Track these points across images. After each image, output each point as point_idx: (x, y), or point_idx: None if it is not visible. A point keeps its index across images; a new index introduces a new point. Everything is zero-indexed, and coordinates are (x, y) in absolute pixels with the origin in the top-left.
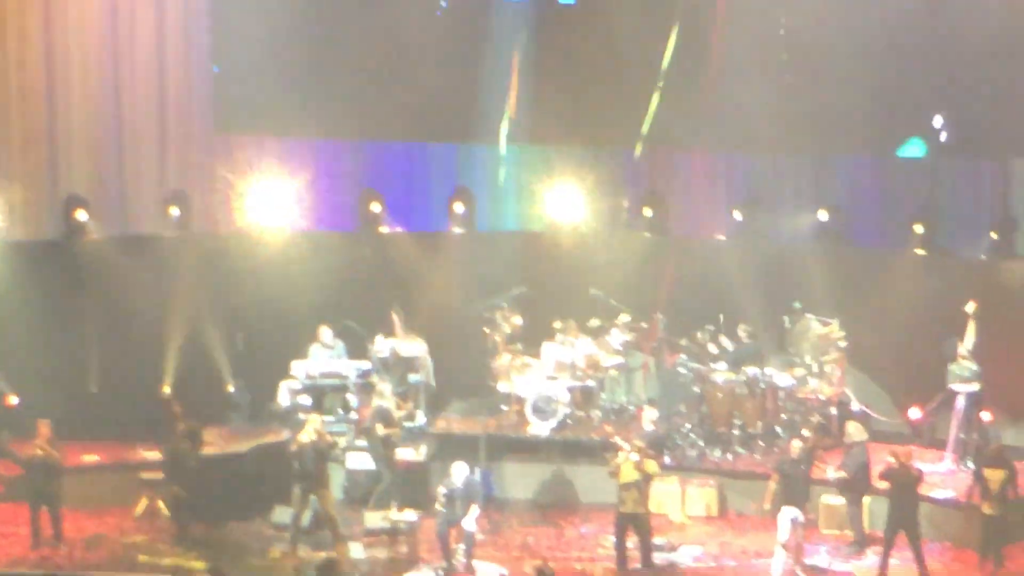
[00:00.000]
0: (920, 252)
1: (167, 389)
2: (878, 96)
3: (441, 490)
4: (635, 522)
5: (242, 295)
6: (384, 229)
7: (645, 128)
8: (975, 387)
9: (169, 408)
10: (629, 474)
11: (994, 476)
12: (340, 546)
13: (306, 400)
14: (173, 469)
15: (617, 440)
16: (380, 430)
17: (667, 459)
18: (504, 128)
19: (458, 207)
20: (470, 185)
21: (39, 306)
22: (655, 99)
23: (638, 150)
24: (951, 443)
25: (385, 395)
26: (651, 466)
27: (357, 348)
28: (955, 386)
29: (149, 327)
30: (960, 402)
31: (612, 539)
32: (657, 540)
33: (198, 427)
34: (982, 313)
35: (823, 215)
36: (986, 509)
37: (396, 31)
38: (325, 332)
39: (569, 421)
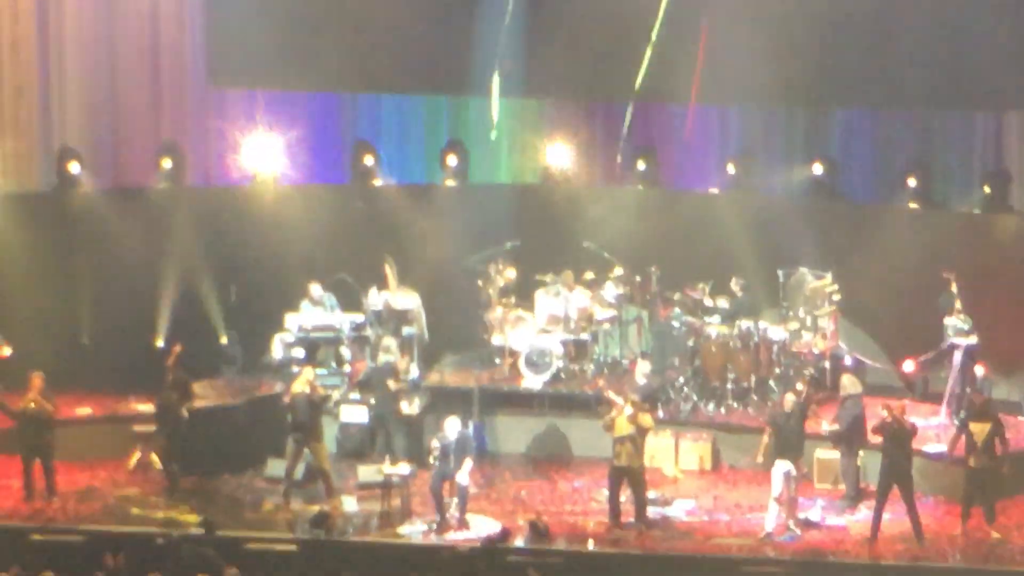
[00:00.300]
0: (913, 206)
1: (159, 342)
2: (872, 49)
3: (434, 444)
4: (629, 475)
5: (235, 248)
6: (377, 182)
7: (639, 81)
8: (973, 339)
9: (162, 360)
10: (623, 427)
11: (979, 429)
12: (333, 499)
13: (299, 353)
14: (164, 421)
15: (610, 394)
16: (392, 385)
17: (660, 413)
18: (496, 80)
19: (451, 160)
20: (463, 138)
21: (32, 258)
22: (648, 52)
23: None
24: (947, 397)
25: (391, 350)
26: (646, 419)
27: (351, 301)
28: (955, 340)
29: (142, 279)
30: (957, 356)
31: (605, 493)
32: (650, 494)
33: (187, 379)
34: (962, 281)
35: (817, 168)
36: (971, 462)
37: None
38: (314, 288)
39: (562, 375)
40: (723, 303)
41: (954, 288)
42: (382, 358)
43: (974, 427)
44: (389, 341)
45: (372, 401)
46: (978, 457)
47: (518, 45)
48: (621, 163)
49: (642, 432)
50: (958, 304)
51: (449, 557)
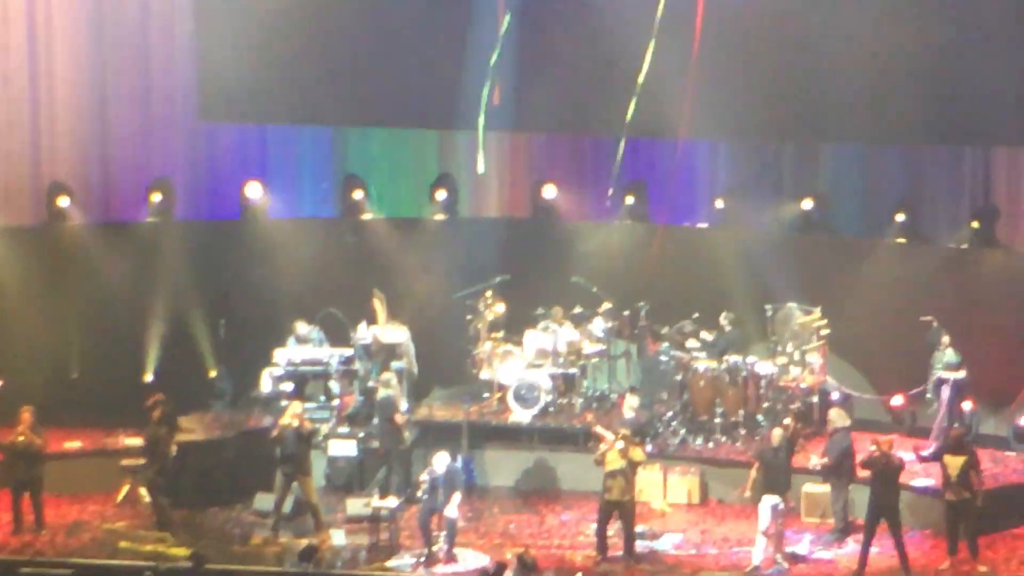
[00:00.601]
0: (901, 241)
1: (148, 376)
2: (861, 85)
3: (423, 477)
4: (621, 509)
5: (225, 282)
6: (366, 216)
7: (629, 115)
8: (962, 374)
9: (147, 397)
10: (615, 462)
11: (953, 463)
12: (322, 532)
13: (288, 387)
14: (152, 456)
15: (598, 429)
16: (399, 419)
17: (649, 447)
18: (484, 116)
19: (440, 194)
20: (453, 172)
21: (21, 292)
22: (638, 87)
23: (620, 147)
24: (935, 431)
25: (391, 384)
26: (637, 453)
27: (339, 335)
28: (943, 374)
29: (131, 314)
30: (945, 390)
31: (593, 526)
32: (638, 527)
33: (174, 414)
34: (949, 316)
35: (807, 204)
36: (948, 495)
37: (379, 18)
38: (301, 326)
39: (551, 408)
40: (707, 336)
41: (935, 326)
42: (383, 392)
43: (948, 460)
44: (389, 375)
45: (361, 435)
46: (953, 490)
47: (508, 80)
48: (611, 198)
49: (633, 466)
50: (945, 339)
51: None
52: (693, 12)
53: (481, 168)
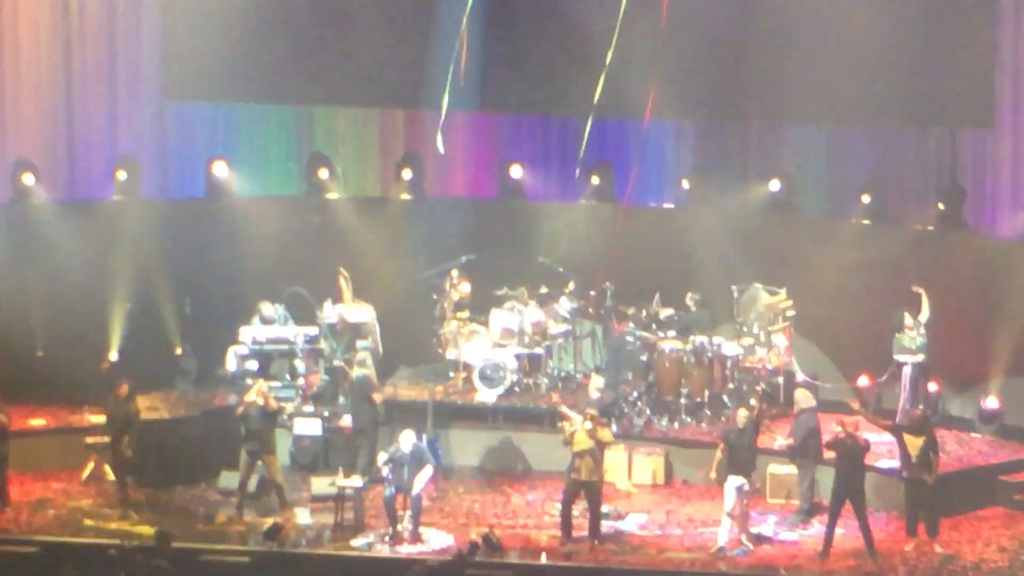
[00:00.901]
0: (867, 222)
1: (113, 354)
2: (826, 65)
3: (382, 456)
4: (588, 489)
5: (190, 260)
6: (332, 194)
7: (596, 96)
8: (920, 358)
9: (106, 374)
10: (583, 442)
11: (913, 443)
12: (286, 512)
13: (253, 365)
14: (121, 432)
15: (564, 409)
16: (377, 398)
17: (614, 427)
18: (447, 96)
19: (406, 173)
20: (419, 151)
21: None
22: (605, 67)
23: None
24: (899, 414)
25: (367, 363)
26: (605, 434)
27: (305, 314)
28: (901, 357)
29: (96, 292)
30: (906, 373)
31: (559, 506)
32: (603, 508)
33: (132, 392)
34: (931, 291)
35: (774, 185)
36: (905, 474)
37: None
38: (266, 307)
39: (516, 389)
40: (670, 312)
41: (925, 301)
42: (358, 371)
43: (909, 440)
44: (365, 354)
45: (326, 413)
46: (911, 469)
47: (474, 59)
48: (577, 178)
49: (601, 447)
50: (909, 320)
51: (421, 571)
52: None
53: (441, 148)
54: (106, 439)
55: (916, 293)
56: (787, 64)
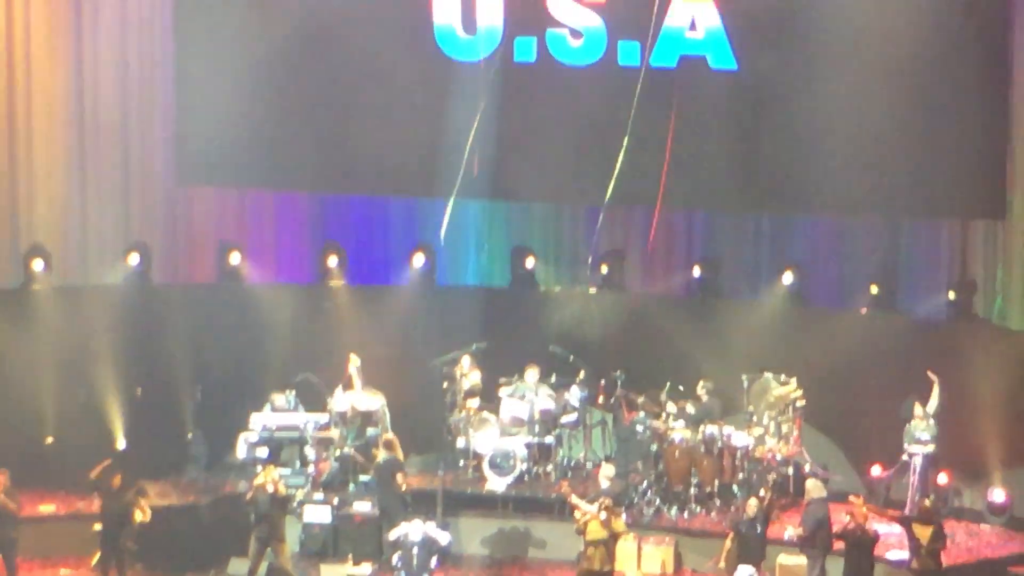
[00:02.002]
0: (877, 312)
1: (121, 440)
2: (838, 156)
3: (389, 539)
4: None
5: (202, 346)
6: (344, 282)
7: (611, 187)
8: (930, 448)
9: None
10: (596, 531)
11: (923, 533)
12: None
13: (263, 452)
14: (123, 523)
15: (573, 499)
16: (400, 479)
17: (624, 516)
18: (460, 183)
19: (418, 261)
20: (431, 239)
21: None
22: (620, 156)
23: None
24: (908, 504)
25: (394, 446)
26: (619, 524)
27: (315, 401)
28: (911, 447)
29: (106, 376)
30: (916, 463)
31: None
32: None
33: (127, 483)
34: (944, 378)
35: (788, 277)
36: (914, 564)
37: (359, 84)
38: (278, 398)
39: (526, 477)
40: (689, 408)
41: (936, 390)
42: (384, 455)
43: (918, 530)
44: (391, 436)
45: (336, 501)
46: (920, 560)
47: (488, 147)
48: (590, 266)
49: (615, 536)
50: (919, 411)
51: None
52: (671, 85)
53: (442, 237)
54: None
55: (929, 381)
56: (798, 155)
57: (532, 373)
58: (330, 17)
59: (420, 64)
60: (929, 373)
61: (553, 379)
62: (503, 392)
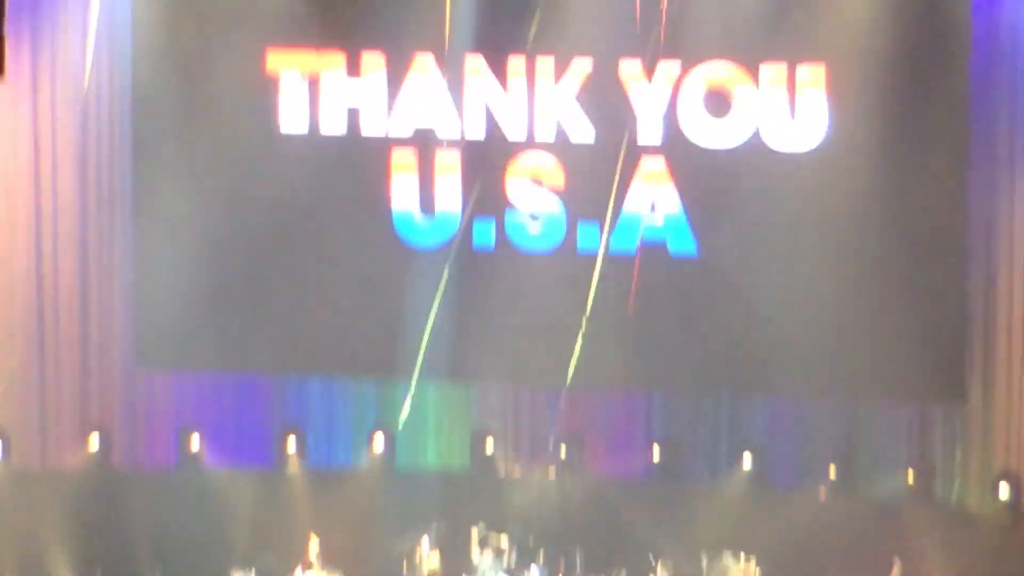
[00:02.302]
0: (836, 494)
1: None
2: (797, 338)
3: None
4: None
5: (161, 529)
6: (302, 466)
7: (571, 370)
8: None
9: None
10: None
11: None
12: None
13: None
14: None
15: None
16: None
17: None
18: (420, 366)
19: (377, 444)
20: (390, 423)
21: None
22: (579, 340)
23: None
24: None
25: None
26: None
27: None
28: None
29: (64, 563)
30: None
31: None
32: None
33: None
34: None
35: (747, 460)
36: None
37: (319, 267)
38: None
39: None
40: None
41: (896, 572)
42: None
43: None
44: None
45: None
46: None
47: (448, 330)
48: (551, 449)
49: None
50: None
51: None
52: (631, 269)
53: (401, 421)
54: None
55: (889, 563)
56: (757, 337)
57: (490, 556)
58: (289, 202)
59: (378, 248)
60: (892, 559)
61: (513, 561)
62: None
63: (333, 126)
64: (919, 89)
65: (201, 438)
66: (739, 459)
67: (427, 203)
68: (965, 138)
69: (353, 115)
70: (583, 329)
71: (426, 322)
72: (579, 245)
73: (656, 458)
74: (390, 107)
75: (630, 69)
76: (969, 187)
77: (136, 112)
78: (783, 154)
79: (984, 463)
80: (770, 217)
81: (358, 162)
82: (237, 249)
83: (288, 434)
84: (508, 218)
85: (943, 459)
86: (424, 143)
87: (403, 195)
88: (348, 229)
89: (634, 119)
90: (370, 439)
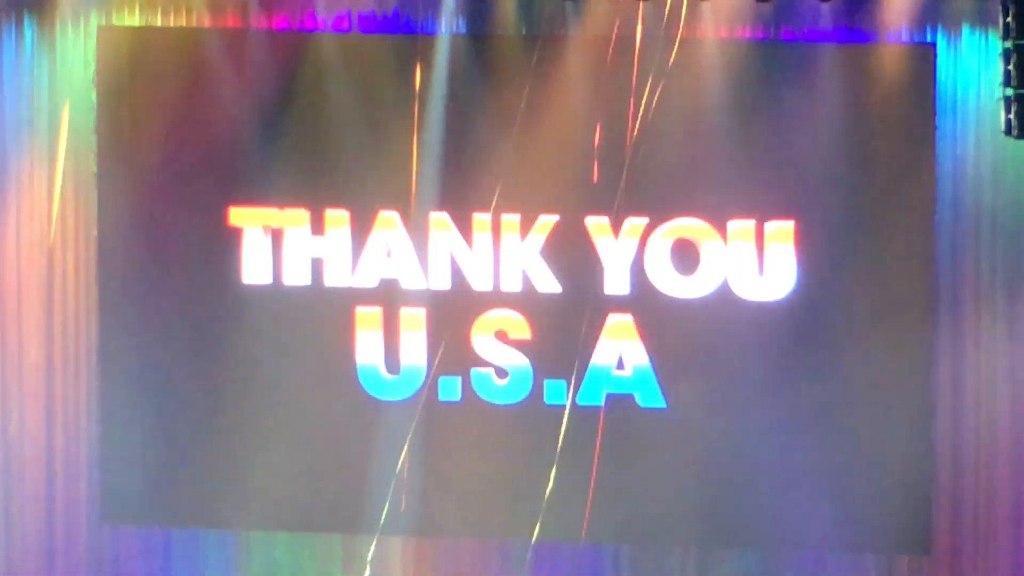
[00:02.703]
0: None
1: None
2: (763, 491)
3: None
4: None
5: None
6: None
7: (538, 524)
8: None
9: None
10: None
11: None
12: None
13: None
14: None
15: None
16: None
17: None
18: (385, 520)
19: None
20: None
21: None
22: (547, 492)
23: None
24: None
25: None
26: None
27: None
28: None
29: None
30: None
31: None
32: None
33: None
34: None
35: None
36: None
37: (281, 422)
38: None
39: None
40: None
41: None
42: None
43: None
44: None
45: None
46: None
47: (413, 483)
48: None
49: None
50: None
51: None
52: (594, 430)
53: None
54: None
55: None
56: (724, 490)
57: None
58: (255, 356)
59: (343, 402)
60: None
61: None
62: None
63: (297, 277)
64: (885, 243)
65: None
66: None
67: (392, 358)
68: (931, 294)
69: (317, 265)
70: (551, 482)
71: (392, 475)
72: (546, 399)
73: None
74: (354, 261)
75: (597, 225)
76: (935, 343)
77: (102, 265)
78: (751, 303)
79: None
80: (737, 367)
81: (322, 314)
82: (204, 407)
83: None
84: (474, 373)
85: None
86: (389, 299)
87: (368, 349)
88: (312, 383)
89: (601, 270)
90: None
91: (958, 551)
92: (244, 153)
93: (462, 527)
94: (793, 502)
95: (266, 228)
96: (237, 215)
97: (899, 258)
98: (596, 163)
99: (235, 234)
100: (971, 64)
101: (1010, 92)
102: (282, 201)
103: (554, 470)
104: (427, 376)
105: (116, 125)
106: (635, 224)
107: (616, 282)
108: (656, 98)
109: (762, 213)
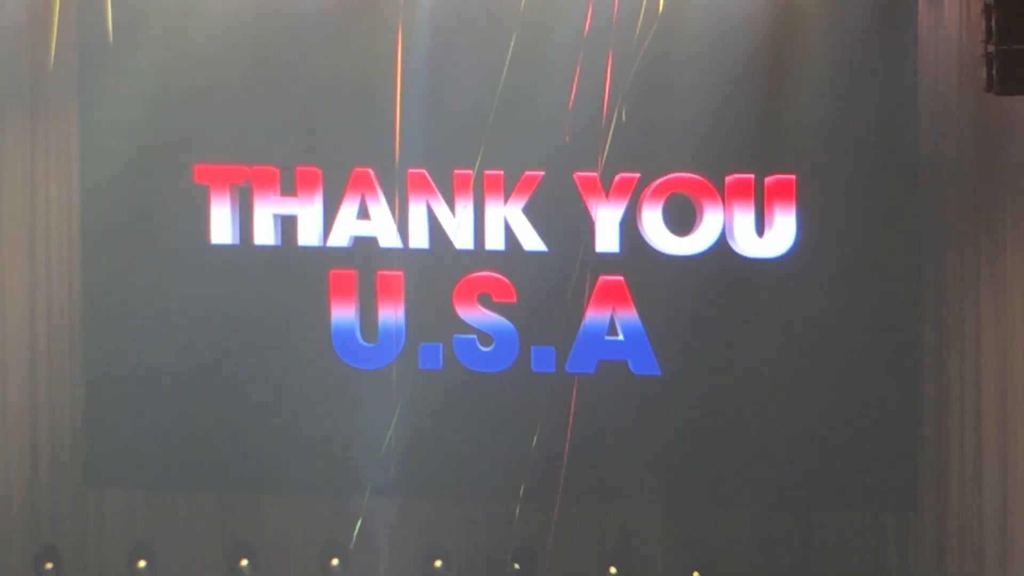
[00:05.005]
0: None
1: None
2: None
3: None
4: None
5: None
6: None
7: (523, 485)
8: None
9: None
10: None
11: None
12: None
13: None
14: None
15: None
16: None
17: None
18: (370, 485)
19: (334, 562)
20: (343, 541)
21: None
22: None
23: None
24: None
25: None
26: None
27: None
28: None
29: None
30: None
31: None
32: None
33: None
34: None
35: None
36: None
37: (265, 389)
38: None
39: None
40: None
41: None
42: None
43: None
44: None
45: None
46: None
47: (399, 447)
48: (510, 562)
49: None
50: None
51: None
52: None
53: (354, 539)
54: None
55: None
56: (715, 449)
57: None
58: (232, 319)
59: (318, 371)
60: None
61: None
62: None
63: (267, 236)
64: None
65: (151, 560)
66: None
67: (370, 326)
68: (917, 249)
69: (289, 224)
70: (535, 440)
71: (379, 440)
72: (533, 365)
73: (613, 572)
74: (328, 223)
75: (586, 181)
76: (923, 298)
77: (84, 231)
78: (749, 260)
79: (938, 568)
80: (731, 327)
81: (294, 275)
82: (189, 372)
83: (240, 555)
84: (456, 340)
85: (898, 569)
86: (365, 261)
87: (344, 317)
88: (290, 352)
89: (590, 228)
90: (325, 558)
91: (944, 509)
92: (211, 109)
93: (447, 489)
94: (781, 461)
95: (233, 187)
96: (203, 172)
97: (884, 214)
98: (582, 119)
99: (202, 192)
100: (954, 20)
101: (992, 48)
102: (250, 159)
103: (537, 434)
104: (405, 343)
105: (99, 85)
106: (626, 178)
107: (607, 240)
108: (643, 51)
109: (760, 168)
